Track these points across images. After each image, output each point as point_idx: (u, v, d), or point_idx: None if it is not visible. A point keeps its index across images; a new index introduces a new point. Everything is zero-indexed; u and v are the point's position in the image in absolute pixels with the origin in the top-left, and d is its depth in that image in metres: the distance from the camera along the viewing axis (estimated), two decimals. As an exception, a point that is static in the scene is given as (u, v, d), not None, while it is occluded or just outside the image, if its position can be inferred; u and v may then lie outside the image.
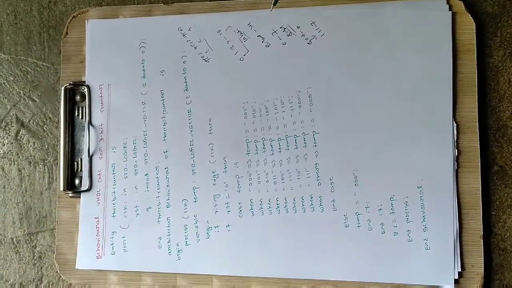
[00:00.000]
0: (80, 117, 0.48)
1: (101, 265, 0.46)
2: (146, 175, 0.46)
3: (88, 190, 0.47)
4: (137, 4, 0.48)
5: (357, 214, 0.44)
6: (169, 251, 0.45)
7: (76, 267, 0.46)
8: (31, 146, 0.49)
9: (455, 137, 0.44)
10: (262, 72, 0.46)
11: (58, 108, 0.48)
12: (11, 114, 0.49)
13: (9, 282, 0.48)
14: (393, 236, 0.43)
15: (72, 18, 0.48)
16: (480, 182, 0.43)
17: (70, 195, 0.47)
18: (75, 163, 0.47)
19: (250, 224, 0.45)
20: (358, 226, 0.44)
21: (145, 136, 0.47)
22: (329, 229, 0.44)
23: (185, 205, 0.46)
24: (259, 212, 0.45)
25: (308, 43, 0.46)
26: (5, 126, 0.49)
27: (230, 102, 0.46)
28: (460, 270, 0.43)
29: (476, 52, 0.44)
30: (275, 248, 0.44)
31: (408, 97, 0.44)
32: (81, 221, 0.46)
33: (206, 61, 0.46)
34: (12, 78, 0.50)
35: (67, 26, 0.48)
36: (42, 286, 0.48)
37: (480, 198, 0.43)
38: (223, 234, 0.45)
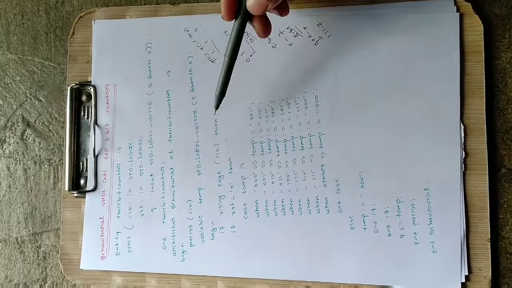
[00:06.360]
0: (86, 117, 0.48)
1: (106, 265, 0.46)
2: (151, 175, 0.46)
3: (93, 190, 0.46)
4: (144, 4, 0.48)
5: (363, 216, 0.43)
6: (174, 252, 0.45)
7: (80, 268, 0.46)
8: (36, 146, 0.49)
9: (463, 139, 0.43)
10: (268, 73, 0.46)
11: (64, 108, 0.48)
12: (17, 114, 0.49)
13: (13, 282, 0.48)
14: (399, 238, 0.43)
15: (79, 18, 0.48)
16: (488, 185, 0.43)
17: (75, 195, 0.47)
18: (81, 163, 0.47)
19: (255, 226, 0.44)
20: (364, 228, 0.43)
21: (150, 137, 0.46)
22: (335, 231, 0.44)
23: (190, 206, 0.45)
24: (265, 213, 0.45)
25: (315, 44, 0.45)
26: (11, 125, 0.49)
27: (236, 103, 0.46)
28: (467, 273, 0.42)
29: (484, 53, 0.44)
30: (280, 250, 0.44)
31: (415, 98, 0.44)
32: (85, 222, 0.46)
33: (212, 61, 0.46)
34: (18, 78, 0.50)
35: (74, 27, 0.48)
36: (46, 286, 0.48)
37: (488, 200, 0.43)
38: (228, 235, 0.45)
